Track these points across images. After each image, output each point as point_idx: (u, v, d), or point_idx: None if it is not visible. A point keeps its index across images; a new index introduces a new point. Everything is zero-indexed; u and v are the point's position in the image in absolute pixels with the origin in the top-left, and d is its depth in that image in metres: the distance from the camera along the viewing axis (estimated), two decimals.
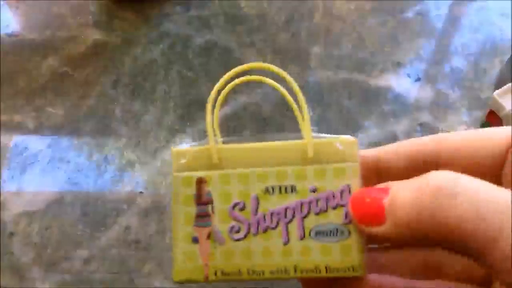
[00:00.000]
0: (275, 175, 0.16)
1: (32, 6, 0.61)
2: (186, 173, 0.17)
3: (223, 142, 0.18)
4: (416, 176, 0.15)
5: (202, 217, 0.16)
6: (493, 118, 0.47)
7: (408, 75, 0.56)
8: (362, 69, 0.56)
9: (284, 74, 0.18)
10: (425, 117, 0.52)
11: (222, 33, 0.58)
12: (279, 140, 0.18)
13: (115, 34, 0.58)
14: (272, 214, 0.16)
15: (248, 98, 0.53)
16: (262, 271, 0.16)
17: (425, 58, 0.57)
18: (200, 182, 0.16)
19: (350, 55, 0.57)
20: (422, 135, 0.47)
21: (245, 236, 0.16)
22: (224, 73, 0.18)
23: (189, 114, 0.52)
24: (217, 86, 0.18)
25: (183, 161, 0.17)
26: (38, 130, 0.51)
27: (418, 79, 0.56)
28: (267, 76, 0.19)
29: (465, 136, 0.18)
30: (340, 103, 0.53)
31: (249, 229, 0.16)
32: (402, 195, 0.15)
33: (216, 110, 0.18)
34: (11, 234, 0.44)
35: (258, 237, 0.16)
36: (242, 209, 0.16)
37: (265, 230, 0.16)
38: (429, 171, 0.15)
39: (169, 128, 0.51)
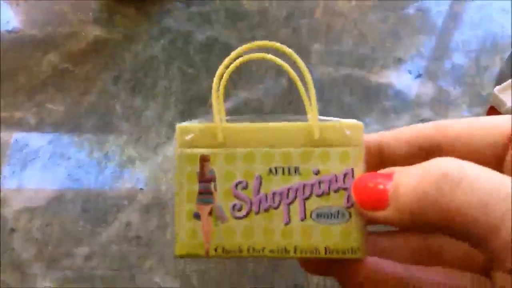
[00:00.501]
0: (279, 156, 0.17)
1: (32, 3, 0.61)
2: (190, 150, 0.17)
3: (228, 121, 0.18)
4: (417, 162, 0.15)
5: (204, 194, 0.17)
6: (493, 114, 0.47)
7: (409, 72, 0.56)
8: (363, 65, 0.56)
9: (287, 49, 0.18)
10: (426, 113, 0.52)
11: (223, 29, 0.58)
12: (284, 121, 0.18)
13: (116, 31, 0.58)
14: (274, 194, 0.16)
15: (249, 93, 0.53)
16: (262, 249, 0.16)
17: (426, 55, 0.57)
18: (204, 159, 0.17)
19: (351, 52, 0.57)
20: None
21: (247, 215, 0.16)
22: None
23: (190, 109, 0.52)
24: (223, 63, 0.18)
25: (188, 137, 0.17)
26: (38, 126, 0.51)
27: (419, 76, 0.55)
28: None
29: (466, 123, 0.18)
30: (341, 99, 0.53)
31: (251, 208, 0.16)
32: (405, 181, 0.15)
33: (221, 89, 0.18)
34: (12, 230, 0.44)
35: (259, 216, 0.16)
36: (244, 188, 0.16)
37: (266, 210, 0.16)
38: (430, 157, 0.15)
39: (170, 124, 0.51)
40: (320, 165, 0.16)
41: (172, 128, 0.50)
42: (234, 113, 0.51)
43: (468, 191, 0.13)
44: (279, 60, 0.18)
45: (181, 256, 0.17)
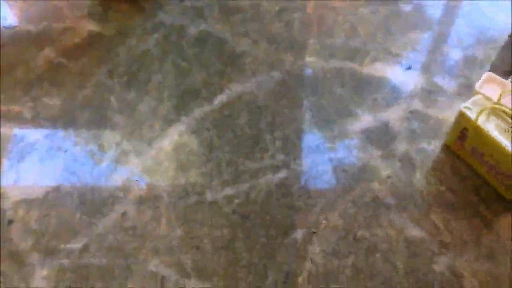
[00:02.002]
0: None
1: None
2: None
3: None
4: None
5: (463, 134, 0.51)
6: None
7: (400, 64, 0.56)
8: (355, 58, 0.57)
9: None
10: (416, 104, 0.53)
11: (216, 23, 0.59)
12: None
13: (110, 25, 0.59)
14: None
15: (243, 87, 0.53)
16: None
17: (418, 48, 0.58)
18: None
19: (343, 45, 0.58)
20: (414, 122, 0.49)
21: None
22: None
23: (184, 103, 0.53)
24: None
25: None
26: (35, 120, 0.51)
27: (409, 68, 0.56)
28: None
29: None
30: (333, 91, 0.53)
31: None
32: None
33: None
34: (10, 221, 0.45)
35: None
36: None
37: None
38: None
39: (164, 117, 0.52)
40: None
41: (166, 121, 0.51)
42: (228, 106, 0.52)
43: None
44: None
45: (446, 146, 0.54)
